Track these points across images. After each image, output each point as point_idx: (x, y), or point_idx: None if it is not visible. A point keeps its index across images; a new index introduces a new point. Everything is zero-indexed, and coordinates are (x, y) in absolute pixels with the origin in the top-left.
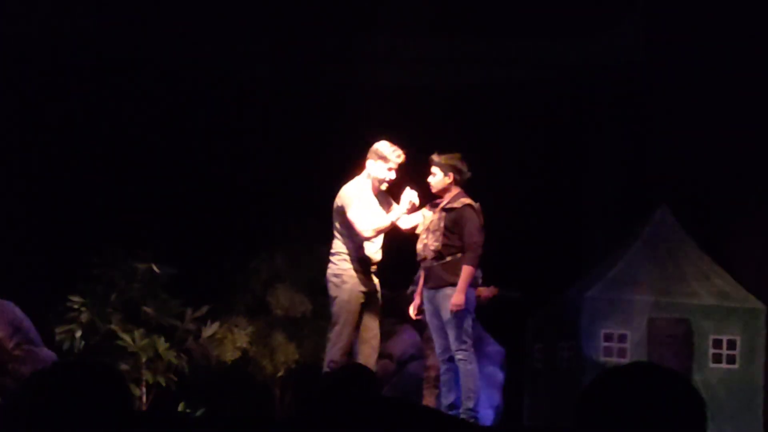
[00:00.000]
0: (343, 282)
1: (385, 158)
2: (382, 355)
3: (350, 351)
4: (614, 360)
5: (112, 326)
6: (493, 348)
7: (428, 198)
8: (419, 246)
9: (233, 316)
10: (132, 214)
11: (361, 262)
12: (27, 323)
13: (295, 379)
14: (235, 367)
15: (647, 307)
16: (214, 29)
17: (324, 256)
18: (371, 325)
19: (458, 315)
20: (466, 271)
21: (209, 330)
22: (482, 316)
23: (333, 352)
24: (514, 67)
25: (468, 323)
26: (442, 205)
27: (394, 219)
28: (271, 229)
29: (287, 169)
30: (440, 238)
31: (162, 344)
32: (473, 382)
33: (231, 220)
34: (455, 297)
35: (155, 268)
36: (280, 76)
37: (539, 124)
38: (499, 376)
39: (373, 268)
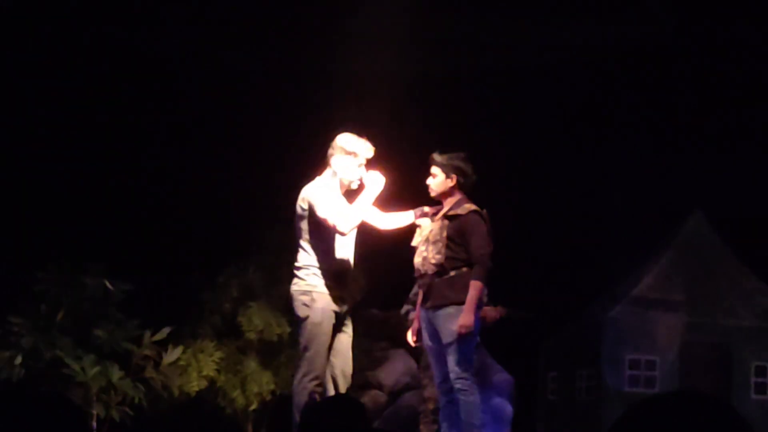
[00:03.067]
0: (313, 300)
1: (353, 153)
2: (371, 385)
3: (323, 381)
4: (641, 391)
5: (58, 352)
6: (501, 377)
7: (427, 202)
8: (417, 260)
9: (199, 340)
10: (81, 223)
11: (332, 275)
12: None
13: (271, 413)
14: (200, 399)
15: (679, 330)
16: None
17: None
18: (341, 349)
19: (462, 339)
20: (474, 287)
21: (171, 356)
22: (488, 340)
23: (304, 382)
24: (530, 53)
25: (471, 349)
26: (443, 212)
27: (365, 205)
28: (243, 238)
29: (261, 171)
30: (443, 250)
31: (116, 373)
32: (476, 416)
33: (197, 228)
34: (463, 317)
35: (108, 284)
36: (246, 76)
37: (552, 121)
38: (508, 409)
39: (348, 279)
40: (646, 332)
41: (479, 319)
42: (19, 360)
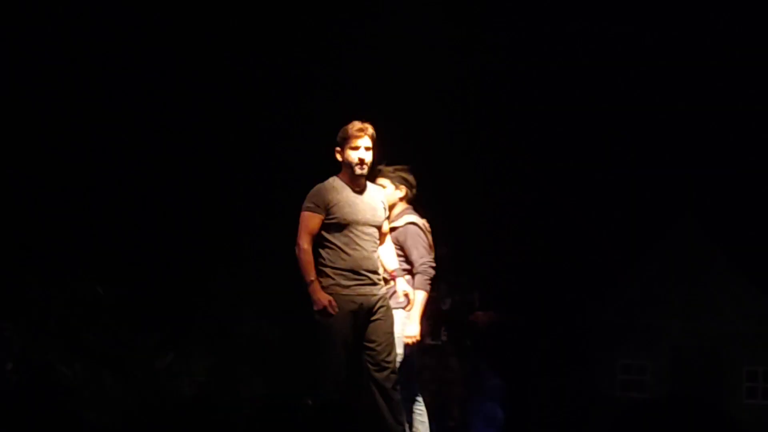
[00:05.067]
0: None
1: (345, 139)
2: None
3: (344, 385)
4: (633, 395)
5: (49, 357)
6: (493, 382)
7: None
8: None
9: (190, 345)
10: (71, 226)
11: (347, 273)
12: None
13: (263, 418)
14: (191, 405)
15: (670, 334)
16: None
17: (294, 272)
18: (376, 338)
19: (405, 347)
20: (417, 297)
21: (163, 361)
22: (480, 345)
23: (323, 385)
24: (510, 58)
25: (413, 357)
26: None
27: (311, 277)
28: (235, 242)
29: (254, 169)
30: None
31: (107, 378)
32: (402, 413)
33: (188, 231)
34: (410, 328)
35: (99, 289)
36: (235, 70)
37: (544, 121)
38: (499, 414)
39: (370, 278)
40: (638, 336)
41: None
42: (9, 366)
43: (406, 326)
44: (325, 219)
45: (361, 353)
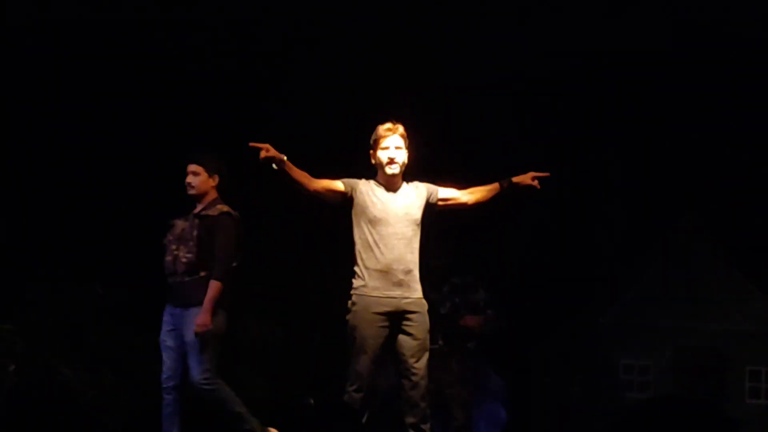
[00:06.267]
0: (353, 303)
1: (375, 140)
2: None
3: (367, 389)
4: (635, 395)
5: (51, 359)
6: (495, 382)
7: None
8: (168, 258)
9: None
10: (71, 228)
11: (377, 274)
12: None
13: (265, 419)
14: (193, 406)
15: (672, 334)
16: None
17: (301, 271)
18: (404, 353)
19: (205, 339)
20: (213, 287)
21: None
22: (482, 345)
23: (349, 391)
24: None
25: (214, 348)
26: (196, 211)
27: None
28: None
29: (255, 171)
30: (193, 250)
31: (109, 379)
32: (234, 402)
33: None
34: (201, 317)
35: (100, 290)
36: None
37: (545, 122)
38: (502, 413)
39: (399, 277)
40: (640, 337)
41: (225, 321)
42: (12, 367)
43: (198, 316)
44: (355, 212)
45: (389, 356)
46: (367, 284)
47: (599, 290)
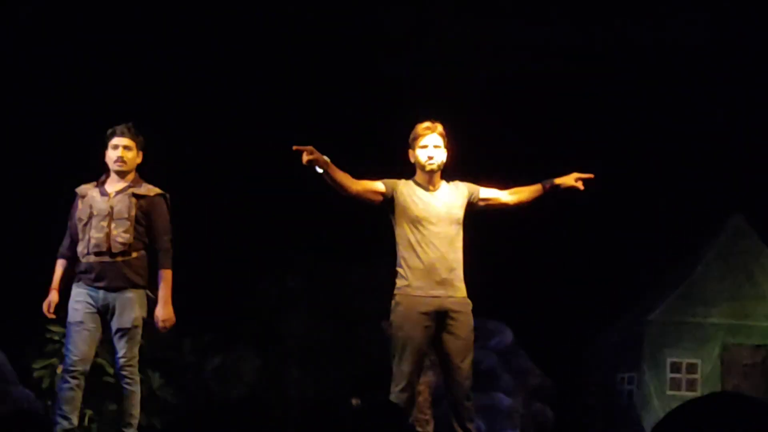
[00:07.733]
0: (397, 303)
1: (414, 138)
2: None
3: (412, 389)
4: (683, 394)
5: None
6: (542, 382)
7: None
8: (99, 235)
9: (239, 347)
10: None
11: (420, 273)
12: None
13: (312, 420)
14: (239, 407)
15: (721, 332)
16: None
17: (344, 272)
18: (450, 354)
19: (136, 327)
20: (168, 277)
21: (213, 363)
22: (529, 344)
23: (395, 392)
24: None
25: (141, 337)
26: (121, 187)
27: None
28: (282, 243)
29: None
30: (130, 230)
31: (156, 380)
32: (137, 407)
33: (235, 232)
34: (165, 311)
35: (148, 292)
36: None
37: (587, 117)
38: (549, 414)
39: (443, 276)
40: (687, 335)
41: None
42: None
43: (158, 309)
44: (396, 213)
45: (433, 356)
46: (410, 284)
47: (647, 290)
